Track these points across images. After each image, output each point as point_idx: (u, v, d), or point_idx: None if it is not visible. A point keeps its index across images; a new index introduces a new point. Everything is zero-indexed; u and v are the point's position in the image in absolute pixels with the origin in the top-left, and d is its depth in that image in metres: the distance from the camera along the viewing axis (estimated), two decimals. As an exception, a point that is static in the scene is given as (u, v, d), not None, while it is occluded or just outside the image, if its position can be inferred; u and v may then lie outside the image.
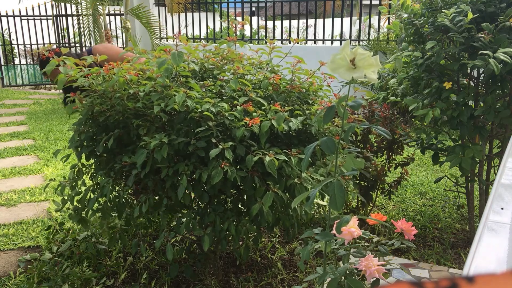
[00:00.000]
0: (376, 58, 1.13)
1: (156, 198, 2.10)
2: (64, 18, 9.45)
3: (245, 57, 2.39)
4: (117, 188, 2.20)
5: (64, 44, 9.68)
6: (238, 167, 1.87)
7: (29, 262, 2.57)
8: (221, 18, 8.83)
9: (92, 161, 2.34)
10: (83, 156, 2.29)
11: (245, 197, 2.07)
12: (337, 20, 7.71)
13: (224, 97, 2.06)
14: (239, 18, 12.66)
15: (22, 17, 9.68)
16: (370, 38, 6.55)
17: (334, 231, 1.35)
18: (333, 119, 2.19)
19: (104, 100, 2.12)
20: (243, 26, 8.15)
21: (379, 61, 1.13)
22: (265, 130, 1.85)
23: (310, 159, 2.03)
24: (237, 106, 1.96)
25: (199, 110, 1.88)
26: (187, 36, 8.36)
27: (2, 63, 9.96)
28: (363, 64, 1.12)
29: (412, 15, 2.51)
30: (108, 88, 2.11)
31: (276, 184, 1.91)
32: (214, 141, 1.85)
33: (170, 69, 1.98)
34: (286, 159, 1.86)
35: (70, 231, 2.84)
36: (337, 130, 2.13)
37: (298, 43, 2.56)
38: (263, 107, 2.00)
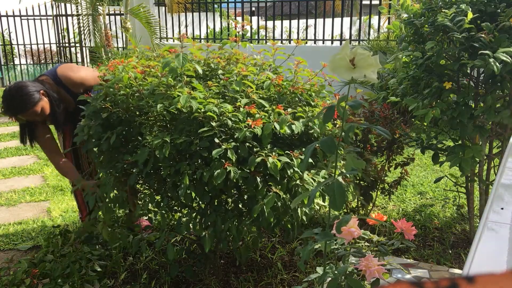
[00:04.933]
0: (375, 58, 1.13)
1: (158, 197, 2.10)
2: (64, 18, 9.43)
3: (248, 57, 2.38)
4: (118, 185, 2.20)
5: (64, 44, 9.67)
6: (239, 167, 1.87)
7: (30, 262, 2.56)
8: (221, 18, 8.82)
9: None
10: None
11: (245, 198, 2.07)
12: (337, 20, 7.70)
13: (227, 97, 2.06)
14: (239, 18, 12.66)
15: (22, 17, 9.67)
16: (370, 38, 6.55)
17: (334, 231, 1.35)
18: (335, 121, 2.19)
19: (109, 97, 2.13)
20: (243, 26, 8.15)
21: (378, 61, 1.13)
22: (267, 133, 1.84)
23: (312, 161, 2.03)
24: (240, 108, 1.96)
25: (202, 110, 1.88)
26: (187, 36, 8.36)
27: (2, 63, 9.96)
28: (363, 64, 1.12)
29: (412, 15, 2.51)
30: (113, 85, 2.11)
31: (278, 185, 1.91)
32: (217, 141, 1.85)
33: (175, 70, 1.98)
34: (289, 160, 1.85)
35: (71, 231, 2.84)
36: (338, 131, 2.13)
37: (298, 44, 2.55)
38: (265, 109, 2.00)
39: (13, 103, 2.32)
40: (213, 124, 1.87)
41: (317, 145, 1.29)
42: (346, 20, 7.66)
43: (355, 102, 1.20)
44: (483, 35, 2.16)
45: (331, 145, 1.21)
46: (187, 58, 1.97)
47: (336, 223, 1.30)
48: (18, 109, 2.34)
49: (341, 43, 7.12)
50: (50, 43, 9.99)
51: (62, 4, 9.16)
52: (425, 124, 2.47)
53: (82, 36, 7.64)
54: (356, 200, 3.03)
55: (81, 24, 7.46)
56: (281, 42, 8.30)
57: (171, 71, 1.97)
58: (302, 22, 8.15)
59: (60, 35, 9.56)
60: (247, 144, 1.89)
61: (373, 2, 6.54)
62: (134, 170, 2.00)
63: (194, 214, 2.02)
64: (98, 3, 7.40)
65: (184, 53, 2.00)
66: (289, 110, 2.01)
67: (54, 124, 2.57)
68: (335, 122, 2.20)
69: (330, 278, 1.42)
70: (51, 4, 9.31)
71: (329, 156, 2.13)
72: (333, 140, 1.22)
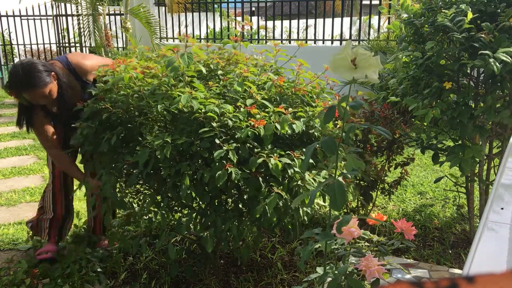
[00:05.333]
0: (377, 58, 1.13)
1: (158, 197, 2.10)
2: (64, 18, 9.43)
3: (249, 58, 2.38)
4: (118, 186, 2.20)
5: (64, 44, 9.68)
6: (240, 167, 1.87)
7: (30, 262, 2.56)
8: (221, 18, 8.83)
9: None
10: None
11: (245, 198, 2.07)
12: (337, 20, 7.70)
13: (227, 98, 2.06)
14: (239, 18, 12.66)
15: (22, 17, 9.67)
16: (370, 38, 6.55)
17: (334, 231, 1.35)
18: (335, 121, 2.19)
19: (109, 97, 2.13)
20: (243, 26, 8.16)
21: (380, 62, 1.14)
22: (269, 133, 1.84)
23: (312, 161, 2.03)
24: (241, 108, 1.96)
25: (203, 110, 1.87)
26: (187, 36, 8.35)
27: (2, 63, 9.96)
28: (364, 65, 1.12)
29: (412, 15, 2.51)
30: (114, 85, 2.11)
31: (279, 185, 1.90)
32: (218, 142, 1.85)
33: (177, 69, 1.98)
34: (290, 162, 1.85)
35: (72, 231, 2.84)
36: (339, 132, 2.13)
37: (300, 45, 2.54)
38: (266, 109, 2.00)
39: (23, 79, 2.15)
40: (214, 124, 1.87)
41: (317, 145, 1.29)
42: (346, 20, 7.67)
43: (355, 103, 1.20)
44: (483, 35, 2.16)
45: (331, 146, 1.21)
46: (192, 57, 1.97)
47: (336, 223, 1.30)
48: (27, 86, 2.17)
49: (341, 43, 7.12)
50: (50, 43, 9.99)
51: (62, 4, 9.16)
52: (425, 124, 2.47)
53: (82, 36, 7.64)
54: (356, 200, 3.03)
55: (81, 24, 7.46)
56: (281, 42, 8.29)
57: (173, 70, 1.96)
58: (302, 22, 8.15)
59: (60, 35, 9.56)
60: (248, 144, 1.89)
61: (373, 2, 6.54)
62: (134, 171, 2.00)
63: (195, 214, 2.02)
64: (98, 3, 7.41)
65: (189, 52, 2.00)
66: (290, 109, 2.01)
67: (58, 111, 2.40)
68: (336, 122, 2.20)
69: (330, 278, 1.42)
70: (51, 4, 9.31)
71: (329, 156, 2.13)
72: (334, 141, 1.22)
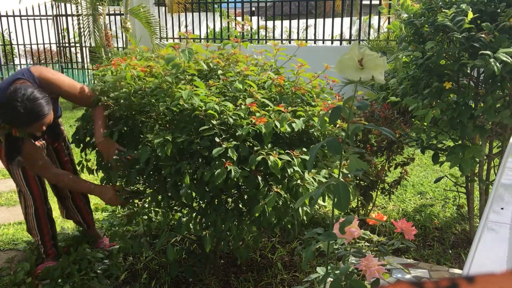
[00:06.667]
0: (383, 59, 1.13)
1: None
2: (64, 18, 9.43)
3: (248, 58, 2.38)
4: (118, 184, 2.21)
5: (64, 44, 9.68)
6: (240, 166, 1.87)
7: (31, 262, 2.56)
8: (221, 18, 8.83)
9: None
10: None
11: (245, 197, 2.07)
12: (337, 20, 7.71)
13: (227, 97, 2.06)
14: (239, 18, 12.65)
15: (22, 17, 9.67)
16: (370, 38, 6.55)
17: (335, 231, 1.35)
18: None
19: (111, 94, 2.13)
20: (243, 26, 8.16)
21: (386, 62, 1.14)
22: (269, 131, 1.84)
23: (311, 160, 2.03)
24: (242, 106, 1.96)
25: (203, 108, 1.87)
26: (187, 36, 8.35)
27: (2, 63, 9.96)
28: (371, 65, 1.12)
29: (412, 15, 2.51)
30: (116, 83, 2.11)
31: (279, 184, 1.91)
32: (218, 140, 1.85)
33: (179, 65, 1.98)
34: (290, 159, 1.85)
35: (71, 230, 2.84)
36: (338, 131, 2.13)
37: (300, 45, 2.54)
38: (266, 108, 2.00)
39: (30, 114, 1.97)
40: (214, 122, 1.86)
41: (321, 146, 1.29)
42: (346, 20, 7.67)
43: (361, 103, 1.20)
44: (483, 35, 2.16)
45: (336, 146, 1.21)
46: (193, 52, 1.97)
47: (339, 224, 1.30)
48: (36, 119, 2.01)
49: (341, 43, 7.12)
50: (50, 43, 9.99)
51: (62, 4, 9.16)
52: (425, 124, 2.47)
53: (82, 36, 7.64)
54: (356, 200, 3.03)
55: (81, 24, 7.46)
56: (281, 42, 8.30)
57: (174, 66, 1.96)
58: (302, 22, 8.15)
59: (60, 35, 9.56)
60: (248, 143, 1.89)
61: (373, 2, 6.54)
62: (133, 170, 2.00)
63: (194, 214, 2.02)
64: (98, 3, 7.41)
65: (189, 47, 2.00)
66: (290, 108, 2.01)
67: (43, 132, 2.23)
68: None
69: (331, 279, 1.42)
70: (51, 4, 9.31)
71: (329, 155, 2.13)
72: (339, 142, 1.23)
